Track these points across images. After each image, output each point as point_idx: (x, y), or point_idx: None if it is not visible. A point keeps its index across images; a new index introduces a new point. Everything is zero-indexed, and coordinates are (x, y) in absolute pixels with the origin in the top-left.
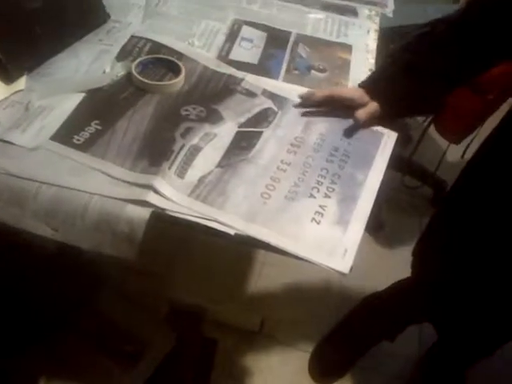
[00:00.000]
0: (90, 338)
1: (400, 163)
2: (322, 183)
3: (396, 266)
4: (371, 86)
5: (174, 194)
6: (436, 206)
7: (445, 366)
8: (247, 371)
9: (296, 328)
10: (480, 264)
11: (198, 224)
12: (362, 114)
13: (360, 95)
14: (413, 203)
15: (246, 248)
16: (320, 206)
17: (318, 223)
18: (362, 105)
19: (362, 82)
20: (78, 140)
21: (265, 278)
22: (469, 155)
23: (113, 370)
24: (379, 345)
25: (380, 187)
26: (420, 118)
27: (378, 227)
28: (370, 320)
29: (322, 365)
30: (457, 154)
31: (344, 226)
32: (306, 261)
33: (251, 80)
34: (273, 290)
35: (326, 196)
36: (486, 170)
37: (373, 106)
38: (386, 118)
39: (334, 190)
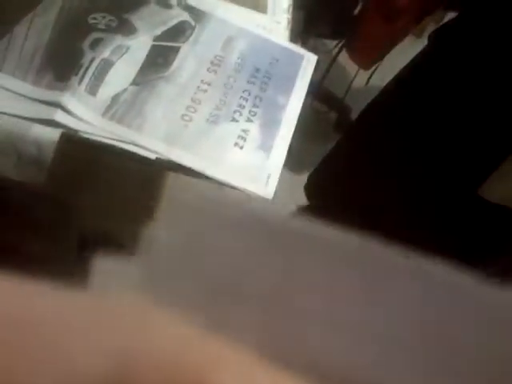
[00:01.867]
0: None
1: (309, 88)
2: (244, 106)
3: (300, 190)
4: None
5: (85, 112)
6: (338, 131)
7: None
8: None
9: None
10: (380, 188)
11: (113, 147)
12: None
13: None
14: (319, 128)
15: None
16: (243, 131)
17: (241, 148)
18: None
19: None
20: None
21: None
22: (373, 82)
23: None
24: None
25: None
26: (330, 43)
27: (288, 153)
28: None
29: None
30: (361, 81)
31: (267, 151)
32: (229, 186)
33: None
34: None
35: (249, 120)
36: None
37: None
38: None
39: (256, 113)
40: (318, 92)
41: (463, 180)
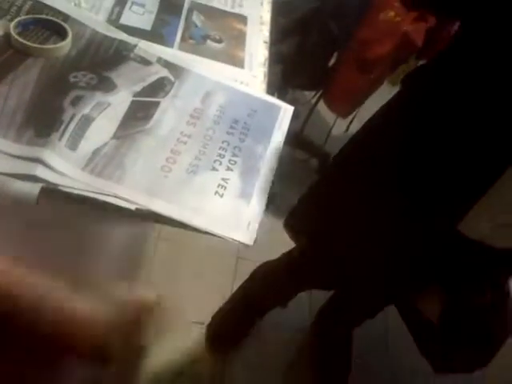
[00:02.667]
0: None
1: (290, 137)
2: (223, 156)
3: (287, 236)
4: None
5: (66, 167)
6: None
7: (332, 330)
8: None
9: (194, 301)
10: (356, 221)
11: (95, 200)
12: None
13: None
14: (301, 175)
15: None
16: (222, 179)
17: (222, 196)
18: None
19: None
20: None
21: (160, 252)
22: (353, 129)
23: None
24: (271, 314)
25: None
26: (308, 94)
27: (270, 199)
28: (263, 288)
29: (217, 335)
30: (340, 128)
31: (247, 199)
32: (211, 234)
33: (145, 47)
34: (169, 264)
35: (229, 169)
36: (373, 140)
37: None
38: None
39: (235, 162)
40: (299, 140)
41: (442, 216)
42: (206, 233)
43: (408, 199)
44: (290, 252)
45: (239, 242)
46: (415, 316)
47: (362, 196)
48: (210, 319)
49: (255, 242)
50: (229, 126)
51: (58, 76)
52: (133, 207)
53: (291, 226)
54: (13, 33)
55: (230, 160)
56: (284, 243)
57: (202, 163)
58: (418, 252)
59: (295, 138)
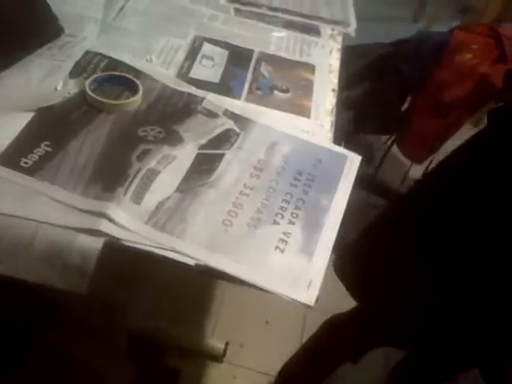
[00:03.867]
0: (44, 375)
1: (364, 182)
2: (285, 209)
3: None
4: None
5: (129, 221)
6: None
7: None
8: None
9: (260, 352)
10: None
11: (155, 254)
12: None
13: None
14: None
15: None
16: (284, 234)
17: (282, 251)
18: None
19: None
20: (26, 163)
21: (227, 302)
22: None
23: None
24: (344, 368)
25: (346, 208)
26: (383, 138)
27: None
28: (332, 342)
29: None
30: (419, 171)
31: (309, 255)
32: (269, 292)
33: (212, 99)
34: (236, 314)
35: (291, 222)
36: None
37: None
38: None
39: (298, 215)
40: (373, 185)
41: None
42: (265, 290)
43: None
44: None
45: (299, 302)
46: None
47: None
48: (276, 370)
49: (316, 301)
50: (293, 178)
51: (128, 131)
52: (192, 262)
53: (339, 269)
54: (88, 89)
55: (292, 213)
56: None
57: (264, 217)
58: (503, 307)
59: (369, 183)
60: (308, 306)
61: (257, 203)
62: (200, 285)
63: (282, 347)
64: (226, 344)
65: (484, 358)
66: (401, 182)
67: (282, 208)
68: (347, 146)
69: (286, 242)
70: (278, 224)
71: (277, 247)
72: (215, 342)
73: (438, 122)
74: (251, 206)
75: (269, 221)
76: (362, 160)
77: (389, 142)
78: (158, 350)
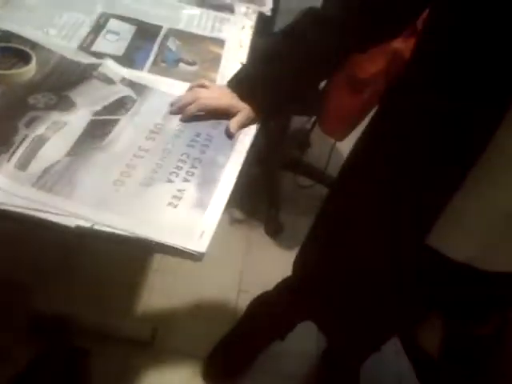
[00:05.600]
0: None
1: (291, 164)
2: (181, 168)
3: (289, 268)
4: (239, 87)
5: (10, 185)
6: None
7: (339, 363)
8: (138, 383)
9: (190, 335)
10: (355, 259)
11: (32, 218)
12: (234, 126)
13: (231, 105)
14: (309, 203)
15: (134, 253)
16: (178, 191)
17: (175, 207)
18: (235, 113)
19: (231, 82)
20: None
21: (157, 284)
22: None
23: None
24: (277, 344)
25: (276, 189)
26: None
27: (278, 230)
28: (258, 321)
29: (216, 369)
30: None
31: (203, 209)
32: (162, 244)
33: (111, 66)
34: (165, 298)
35: (185, 180)
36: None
37: (245, 113)
38: (259, 120)
39: (193, 173)
40: (300, 167)
41: (410, 228)
42: (156, 242)
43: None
44: (284, 282)
45: (191, 250)
46: (413, 346)
47: (357, 224)
48: (207, 353)
49: (205, 251)
50: (190, 140)
51: (17, 99)
52: (72, 224)
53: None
54: None
55: (187, 171)
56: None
57: (158, 176)
58: (412, 277)
59: (297, 165)
60: (199, 254)
61: (151, 164)
62: (129, 270)
63: (211, 330)
64: (155, 329)
65: (402, 327)
66: (327, 162)
67: (177, 167)
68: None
69: (180, 198)
70: (172, 182)
71: (170, 203)
72: (144, 327)
73: (354, 99)
74: (145, 166)
75: (162, 179)
76: (293, 144)
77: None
78: (64, 331)
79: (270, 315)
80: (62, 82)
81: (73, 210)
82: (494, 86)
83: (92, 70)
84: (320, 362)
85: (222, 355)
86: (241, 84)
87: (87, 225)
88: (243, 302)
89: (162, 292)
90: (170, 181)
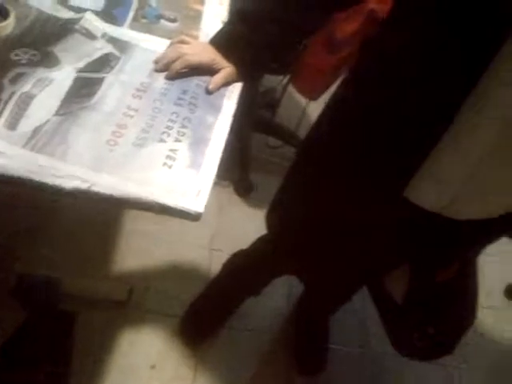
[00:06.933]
0: None
1: (262, 125)
2: (172, 128)
3: (262, 227)
4: (222, 46)
5: (4, 146)
6: None
7: (311, 316)
8: (116, 343)
9: (166, 295)
10: (330, 211)
11: (30, 181)
12: (217, 82)
13: (214, 61)
14: (278, 163)
15: (109, 212)
16: (171, 151)
17: (170, 167)
18: (217, 70)
19: (213, 41)
20: None
21: (132, 246)
22: None
23: None
24: (249, 302)
25: (246, 150)
26: (279, 78)
27: (248, 189)
28: (235, 277)
29: (192, 326)
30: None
31: (196, 169)
32: (161, 205)
33: (91, 19)
34: (140, 257)
35: (177, 140)
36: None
37: (227, 71)
38: (241, 79)
39: (184, 133)
40: (271, 128)
41: (388, 181)
42: (155, 203)
43: (365, 169)
44: (262, 238)
45: (189, 210)
46: (380, 294)
47: (328, 178)
48: (183, 312)
49: (203, 210)
50: (177, 97)
51: None
52: (69, 186)
53: (272, 220)
54: None
55: (178, 131)
56: (259, 234)
57: (150, 136)
58: (383, 228)
59: (267, 126)
60: (197, 213)
61: (141, 123)
62: (103, 231)
63: (186, 290)
64: (130, 290)
65: (373, 276)
66: (298, 124)
67: (168, 127)
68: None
69: (174, 158)
70: (165, 142)
71: (164, 163)
72: (120, 287)
73: (330, 58)
74: (136, 126)
75: (155, 139)
76: (263, 105)
77: (283, 83)
78: (50, 294)
79: (247, 271)
80: (43, 36)
81: (69, 172)
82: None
83: (73, 24)
84: (292, 316)
85: (198, 313)
86: (223, 42)
87: (84, 186)
88: (216, 260)
89: (135, 253)
90: (162, 140)
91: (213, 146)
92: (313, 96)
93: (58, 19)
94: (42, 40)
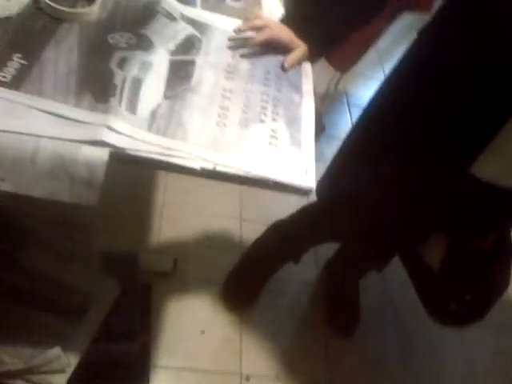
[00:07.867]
0: (33, 300)
1: None
2: (266, 108)
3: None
4: (297, 25)
5: (131, 131)
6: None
7: (343, 278)
8: (166, 313)
9: (207, 263)
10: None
11: (160, 161)
12: (293, 60)
13: (291, 39)
14: None
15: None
16: (272, 130)
17: (276, 147)
18: (291, 49)
19: (286, 20)
20: (4, 77)
21: (167, 218)
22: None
23: (62, 326)
24: (280, 272)
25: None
26: None
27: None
28: (277, 244)
29: (234, 292)
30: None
31: (298, 147)
32: (277, 182)
33: (169, 0)
34: (178, 229)
35: (274, 120)
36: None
37: (301, 50)
38: (311, 59)
39: (278, 113)
40: None
41: (456, 159)
42: (269, 181)
43: (428, 146)
44: (306, 208)
45: (303, 186)
46: (416, 262)
47: (397, 150)
48: (223, 279)
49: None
50: (264, 77)
51: (98, 39)
52: (197, 166)
53: (325, 188)
54: None
55: (272, 111)
56: (285, 206)
57: (249, 116)
58: (427, 200)
59: None
60: (310, 190)
61: (240, 104)
62: (137, 205)
63: (222, 258)
64: (175, 260)
65: (404, 245)
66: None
67: (262, 107)
68: None
69: (276, 137)
70: (264, 122)
71: (270, 143)
72: (165, 259)
73: (363, 30)
74: (235, 107)
75: (255, 120)
76: None
77: None
78: (133, 268)
79: (288, 239)
80: (130, 18)
81: (196, 153)
82: None
83: (154, 5)
84: (323, 280)
85: (240, 279)
86: (297, 22)
87: (209, 166)
88: (246, 231)
89: (171, 224)
90: (262, 121)
91: (305, 124)
92: (345, 68)
93: (138, 0)
94: (131, 23)
